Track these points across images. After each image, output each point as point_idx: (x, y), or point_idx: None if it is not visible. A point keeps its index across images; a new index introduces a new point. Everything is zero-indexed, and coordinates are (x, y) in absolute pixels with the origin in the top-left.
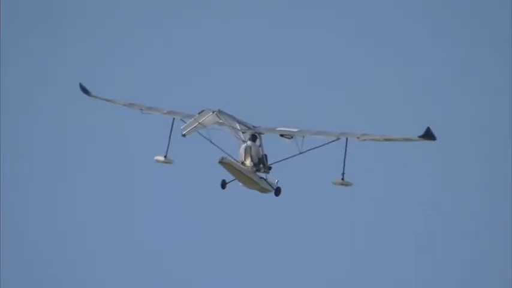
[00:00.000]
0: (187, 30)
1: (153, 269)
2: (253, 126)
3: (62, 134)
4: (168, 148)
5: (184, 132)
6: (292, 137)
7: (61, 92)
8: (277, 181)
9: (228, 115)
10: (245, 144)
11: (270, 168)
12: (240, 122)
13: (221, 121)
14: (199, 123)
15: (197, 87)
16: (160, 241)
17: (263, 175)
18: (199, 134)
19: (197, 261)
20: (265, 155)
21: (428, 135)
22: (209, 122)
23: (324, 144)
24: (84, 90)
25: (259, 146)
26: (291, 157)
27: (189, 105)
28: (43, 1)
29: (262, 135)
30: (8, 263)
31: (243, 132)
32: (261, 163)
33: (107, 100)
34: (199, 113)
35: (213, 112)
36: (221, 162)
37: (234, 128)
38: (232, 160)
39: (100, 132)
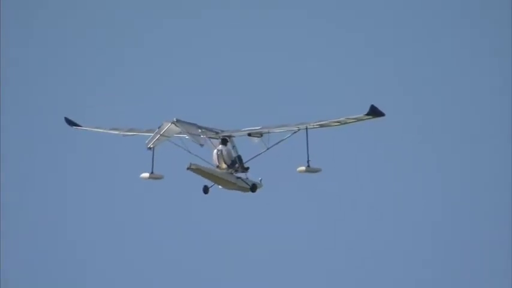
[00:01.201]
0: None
1: (151, 274)
2: (221, 131)
3: (61, 134)
4: (153, 164)
5: (150, 145)
6: (261, 135)
7: (60, 92)
8: (261, 179)
9: (186, 123)
10: (216, 149)
11: (247, 168)
12: (203, 128)
13: (179, 130)
14: (161, 135)
15: (159, 101)
16: (155, 252)
17: (242, 175)
18: (176, 144)
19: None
20: (239, 156)
21: (374, 112)
22: (171, 132)
23: (287, 137)
24: (70, 122)
25: (232, 148)
26: (260, 154)
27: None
28: (43, 1)
29: (234, 138)
30: (8, 263)
31: (212, 138)
32: (235, 164)
33: (92, 129)
34: (159, 127)
35: (171, 123)
36: (189, 168)
37: (193, 135)
38: (200, 164)
39: (89, 154)
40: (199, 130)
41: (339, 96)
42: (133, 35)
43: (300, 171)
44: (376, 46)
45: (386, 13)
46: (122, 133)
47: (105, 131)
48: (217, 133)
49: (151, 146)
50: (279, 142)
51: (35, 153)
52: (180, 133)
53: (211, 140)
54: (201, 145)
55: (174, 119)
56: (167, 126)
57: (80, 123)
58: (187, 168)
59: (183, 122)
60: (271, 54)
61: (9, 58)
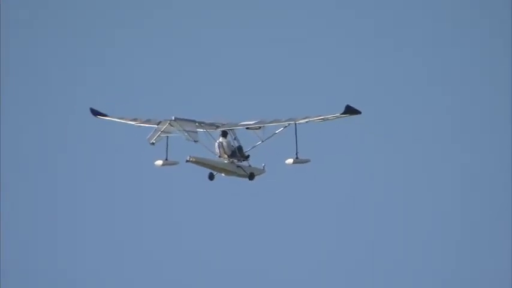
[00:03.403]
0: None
1: (154, 268)
2: (222, 124)
3: (60, 134)
4: (167, 152)
5: (152, 141)
6: (260, 128)
7: (61, 92)
8: (264, 165)
9: (184, 120)
10: (217, 142)
11: (247, 156)
12: (202, 123)
13: (178, 128)
14: (161, 131)
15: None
16: (163, 241)
17: (244, 163)
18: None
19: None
20: (240, 146)
21: (349, 111)
22: (170, 129)
23: (279, 131)
24: (95, 112)
25: (234, 139)
26: (256, 146)
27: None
28: (43, 1)
29: (235, 130)
30: (7, 263)
31: (213, 130)
32: (236, 154)
33: (115, 119)
34: (158, 124)
35: (169, 121)
36: (188, 161)
37: (189, 131)
38: (199, 156)
39: (102, 140)
40: (197, 124)
41: (337, 92)
42: (136, 34)
43: (288, 164)
44: (372, 46)
45: (381, 13)
46: (137, 124)
47: (126, 121)
48: (217, 127)
49: (153, 141)
50: (272, 135)
51: (40, 145)
52: (179, 129)
53: (212, 133)
54: (195, 141)
55: (173, 118)
56: (166, 124)
57: (105, 113)
58: (187, 161)
59: (181, 119)
60: (269, 52)
61: (9, 58)
